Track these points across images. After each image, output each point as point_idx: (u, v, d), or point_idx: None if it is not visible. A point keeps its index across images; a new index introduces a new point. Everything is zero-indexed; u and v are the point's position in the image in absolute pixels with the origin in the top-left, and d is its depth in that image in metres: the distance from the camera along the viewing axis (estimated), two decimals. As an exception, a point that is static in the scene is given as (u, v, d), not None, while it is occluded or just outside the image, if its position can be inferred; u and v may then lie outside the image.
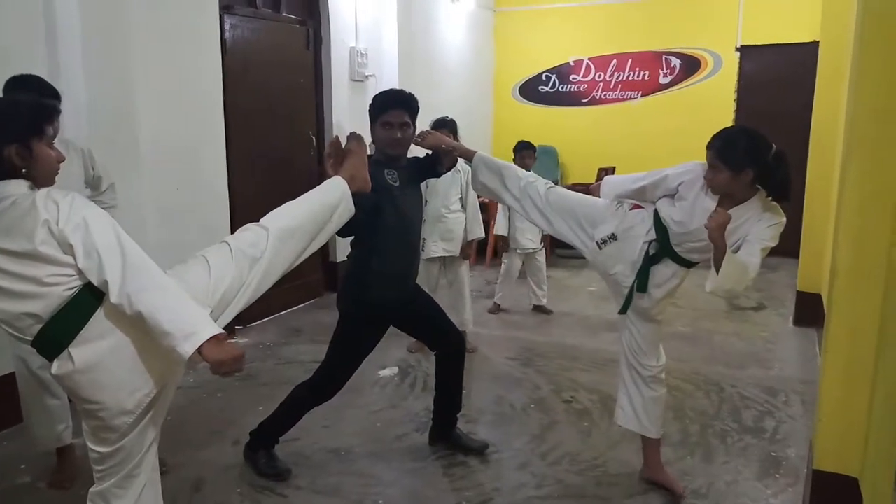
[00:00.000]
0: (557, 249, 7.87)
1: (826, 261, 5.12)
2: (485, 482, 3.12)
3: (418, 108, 3.06)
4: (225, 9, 4.84)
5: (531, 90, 8.88)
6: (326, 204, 2.40)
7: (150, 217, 4.25)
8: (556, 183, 5.77)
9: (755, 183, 2.59)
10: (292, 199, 2.36)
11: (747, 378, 4.31)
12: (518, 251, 5.51)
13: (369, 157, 2.78)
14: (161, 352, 1.85)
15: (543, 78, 8.78)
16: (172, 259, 2.09)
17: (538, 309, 5.73)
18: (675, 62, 8.16)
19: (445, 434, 3.40)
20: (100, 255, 1.76)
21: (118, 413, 1.90)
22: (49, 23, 3.63)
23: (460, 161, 4.56)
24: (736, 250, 2.58)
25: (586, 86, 8.59)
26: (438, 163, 3.19)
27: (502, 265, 5.69)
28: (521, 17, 8.90)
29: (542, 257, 5.67)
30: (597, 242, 2.94)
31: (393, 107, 2.98)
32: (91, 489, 2.04)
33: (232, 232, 4.87)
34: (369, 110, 3.03)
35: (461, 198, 4.66)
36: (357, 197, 2.60)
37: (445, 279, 4.80)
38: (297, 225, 2.29)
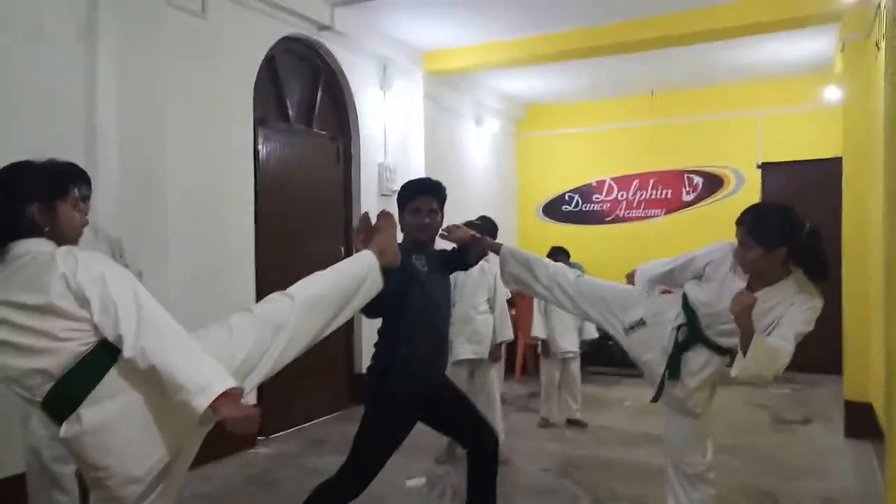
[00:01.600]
0: (587, 367, 7.65)
1: (874, 368, 4.91)
2: None
3: (446, 195, 3.07)
4: (259, 122, 5.03)
5: (555, 209, 9.00)
6: (354, 276, 2.35)
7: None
8: None
9: (788, 262, 2.50)
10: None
11: (802, 490, 3.98)
12: (557, 355, 5.35)
13: (398, 245, 2.76)
14: (173, 417, 1.77)
15: (566, 198, 8.91)
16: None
17: (573, 423, 5.46)
18: (698, 180, 8.27)
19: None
20: (116, 308, 1.71)
21: (126, 481, 1.77)
22: (89, 130, 3.76)
23: (487, 262, 4.57)
24: (769, 334, 2.45)
25: (609, 205, 8.69)
26: (466, 253, 3.15)
27: (542, 377, 5.51)
28: (544, 140, 9.17)
29: (576, 366, 5.50)
30: (625, 329, 2.84)
31: (422, 193, 2.99)
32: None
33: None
34: (398, 198, 3.04)
35: (489, 299, 4.59)
36: (386, 278, 2.55)
37: (474, 385, 4.63)
38: (323, 295, 2.22)
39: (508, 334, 4.61)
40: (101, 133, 3.80)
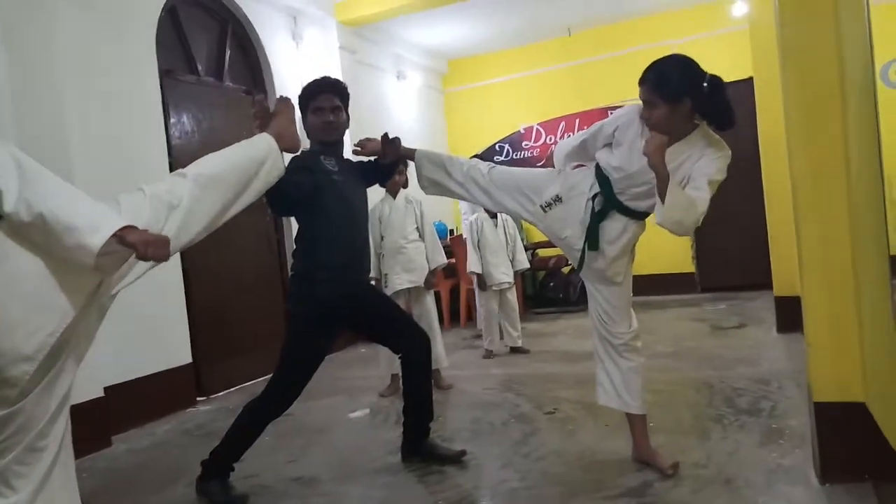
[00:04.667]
0: (532, 310, 7.72)
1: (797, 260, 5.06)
2: (464, 483, 2.82)
3: (348, 93, 3.00)
4: (165, 74, 4.85)
5: (487, 161, 8.96)
6: (252, 157, 2.27)
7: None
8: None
9: (694, 113, 2.51)
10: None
11: (737, 375, 4.07)
12: (493, 287, 5.35)
13: (304, 151, 2.70)
14: (64, 279, 1.66)
15: (497, 148, 8.90)
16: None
17: (515, 350, 5.48)
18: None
19: (418, 446, 3.10)
20: None
21: (15, 359, 1.64)
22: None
23: (411, 192, 4.53)
24: (683, 188, 2.47)
25: (539, 150, 8.71)
26: (382, 156, 3.08)
27: (480, 309, 5.51)
28: (469, 93, 9.17)
29: (513, 295, 5.51)
30: (541, 206, 2.82)
31: (322, 91, 2.93)
32: (-11, 473, 1.76)
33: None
34: (299, 100, 2.97)
35: (417, 227, 4.55)
36: (295, 174, 2.49)
37: (412, 315, 4.59)
38: (219, 174, 2.13)
39: (441, 259, 4.58)
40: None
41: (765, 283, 5.78)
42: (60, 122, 3.81)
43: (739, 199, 6.76)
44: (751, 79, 5.68)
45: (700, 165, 2.48)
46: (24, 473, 1.72)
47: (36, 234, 1.62)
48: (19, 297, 1.65)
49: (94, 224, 1.59)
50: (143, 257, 1.65)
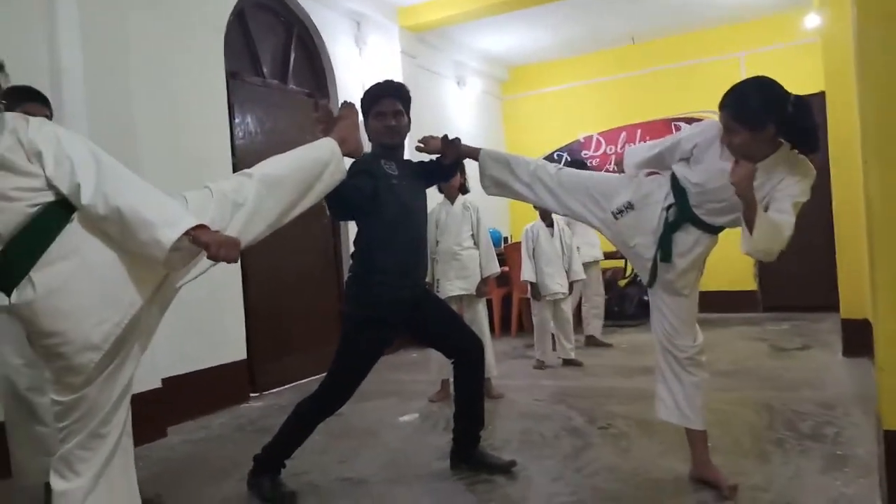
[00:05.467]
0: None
1: (867, 281, 4.85)
2: (513, 493, 2.78)
3: (410, 98, 3.01)
4: (232, 76, 4.96)
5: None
6: (315, 159, 2.30)
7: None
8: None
9: (776, 137, 2.41)
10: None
11: (800, 398, 3.92)
12: (547, 297, 5.30)
13: (364, 155, 2.71)
14: (135, 271, 1.72)
15: (555, 156, 8.83)
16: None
17: (568, 362, 5.41)
18: (685, 127, 8.19)
19: (468, 453, 3.08)
20: (72, 161, 1.67)
21: (83, 347, 1.70)
22: (54, 82, 3.66)
23: (469, 198, 4.52)
24: (765, 210, 2.38)
25: (598, 159, 8.62)
26: (443, 158, 3.07)
27: (534, 318, 5.47)
28: (529, 101, 9.14)
29: (567, 307, 5.44)
30: (612, 213, 2.75)
31: (385, 96, 2.94)
32: (54, 457, 1.81)
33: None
34: (361, 105, 2.98)
35: (473, 234, 4.54)
36: (355, 178, 2.51)
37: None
38: (283, 175, 2.17)
39: (495, 268, 4.55)
40: (66, 87, 3.70)
41: (830, 304, 5.58)
42: (130, 119, 3.93)
43: (805, 217, 6.51)
44: (822, 93, 5.50)
45: (784, 187, 2.39)
46: (87, 458, 1.78)
47: (111, 227, 1.67)
48: (90, 288, 1.71)
49: (169, 220, 1.64)
50: (213, 257, 1.69)
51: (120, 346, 1.77)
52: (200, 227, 1.69)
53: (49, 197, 1.69)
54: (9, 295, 1.70)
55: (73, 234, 1.70)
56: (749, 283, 7.73)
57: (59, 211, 1.70)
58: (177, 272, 1.86)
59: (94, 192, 1.64)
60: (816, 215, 6.46)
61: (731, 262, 5.86)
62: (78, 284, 1.69)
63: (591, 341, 6.12)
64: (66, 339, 1.69)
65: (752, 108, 2.35)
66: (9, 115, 1.70)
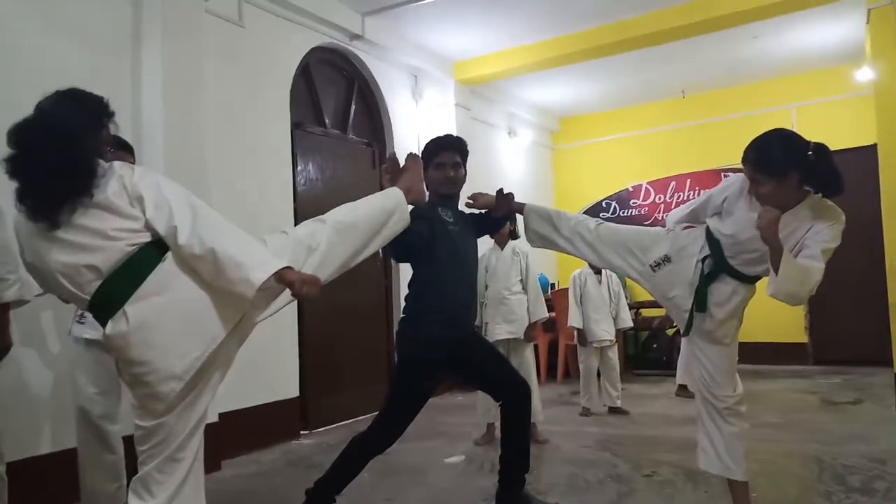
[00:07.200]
0: (632, 370, 7.61)
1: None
2: (557, 536, 2.85)
3: (468, 151, 3.19)
4: (296, 126, 5.25)
5: (593, 217, 9.00)
6: (383, 208, 2.46)
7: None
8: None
9: (802, 185, 2.51)
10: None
11: (849, 452, 3.89)
12: (594, 343, 5.36)
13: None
14: (219, 308, 1.89)
15: (604, 205, 8.91)
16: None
17: (614, 410, 5.43)
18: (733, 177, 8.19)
19: (514, 496, 3.14)
20: (170, 206, 1.87)
21: (167, 377, 1.87)
22: (136, 131, 3.95)
23: (518, 244, 4.66)
24: (795, 256, 2.46)
25: (647, 208, 8.67)
26: (494, 212, 3.24)
27: (580, 365, 5.52)
28: (578, 151, 9.31)
29: (614, 354, 5.49)
30: (650, 266, 2.87)
31: (444, 149, 3.12)
32: (133, 478, 1.98)
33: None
34: (422, 156, 3.16)
35: (521, 279, 4.66)
36: (415, 223, 2.67)
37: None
38: (353, 222, 2.33)
39: (543, 313, 4.65)
40: (146, 134, 4.02)
41: (883, 358, 5.49)
42: (202, 164, 4.22)
43: (858, 268, 6.48)
44: (874, 145, 5.52)
45: (813, 233, 2.47)
46: (163, 481, 1.93)
47: (204, 266, 1.86)
48: (178, 322, 1.89)
49: (259, 262, 1.83)
50: (297, 295, 1.87)
51: (199, 377, 1.94)
52: (287, 268, 1.87)
53: (146, 238, 1.89)
54: (104, 325, 1.90)
55: (166, 272, 1.89)
56: (800, 335, 7.61)
57: (154, 251, 1.89)
58: (256, 309, 2.04)
59: (189, 234, 1.83)
60: (869, 267, 6.44)
61: (781, 313, 5.85)
62: (167, 318, 1.88)
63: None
64: (152, 368, 1.87)
65: (774, 158, 2.46)
66: (117, 164, 1.92)
